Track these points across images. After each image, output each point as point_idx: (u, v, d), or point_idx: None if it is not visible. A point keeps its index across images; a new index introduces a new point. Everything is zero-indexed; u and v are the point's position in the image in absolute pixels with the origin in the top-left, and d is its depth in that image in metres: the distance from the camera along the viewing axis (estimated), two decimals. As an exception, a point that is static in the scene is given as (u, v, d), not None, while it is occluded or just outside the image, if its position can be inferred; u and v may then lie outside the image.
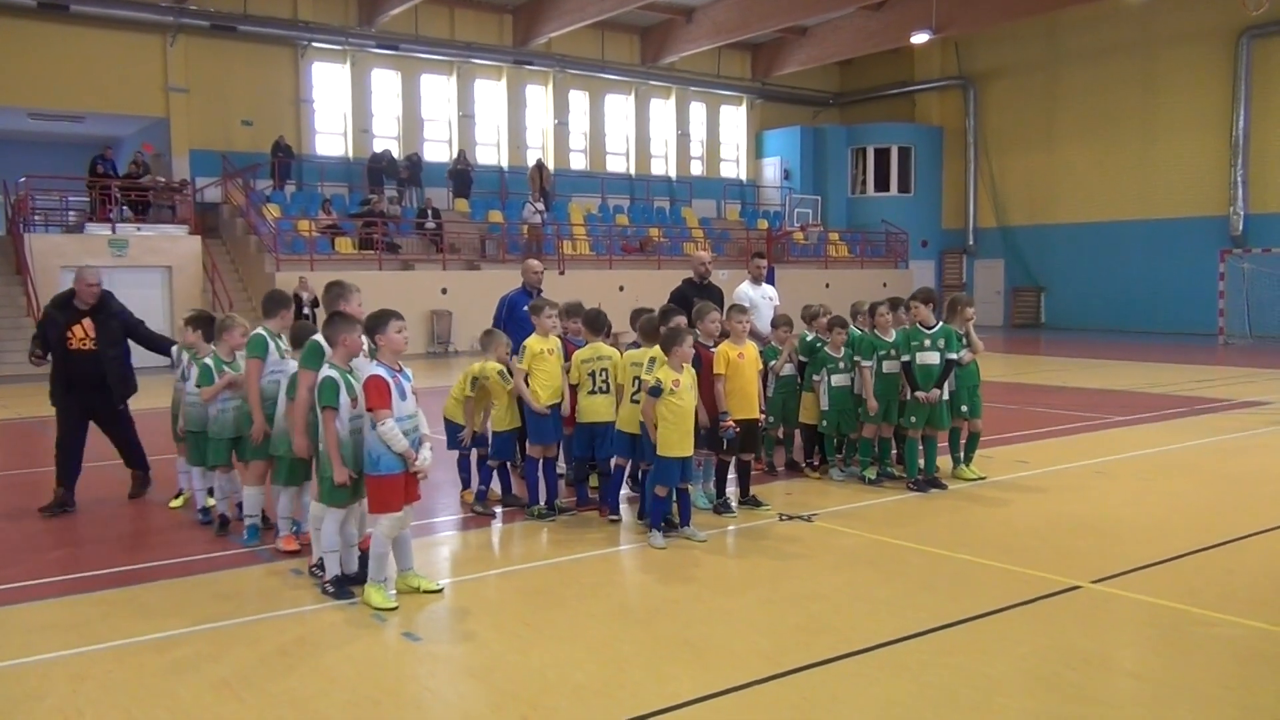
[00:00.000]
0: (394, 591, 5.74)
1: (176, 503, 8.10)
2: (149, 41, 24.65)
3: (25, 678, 4.68)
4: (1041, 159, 32.79)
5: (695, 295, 9.42)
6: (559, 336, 7.83)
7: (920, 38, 28.91)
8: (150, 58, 24.74)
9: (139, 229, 22.31)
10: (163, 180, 23.89)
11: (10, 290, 20.88)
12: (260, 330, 6.94)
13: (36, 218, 22.64)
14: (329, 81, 27.74)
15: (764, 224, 33.67)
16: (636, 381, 7.26)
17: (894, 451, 9.05)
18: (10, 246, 21.95)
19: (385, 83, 28.66)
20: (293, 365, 6.64)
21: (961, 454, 9.07)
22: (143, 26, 24.38)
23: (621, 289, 25.32)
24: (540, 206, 27.16)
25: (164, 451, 9.17)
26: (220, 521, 7.35)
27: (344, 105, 27.94)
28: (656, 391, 6.80)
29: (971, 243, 35.14)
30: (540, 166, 28.97)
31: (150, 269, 22.07)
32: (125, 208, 22.82)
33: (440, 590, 5.87)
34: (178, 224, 23.21)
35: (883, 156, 35.57)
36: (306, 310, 19.66)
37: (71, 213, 23.78)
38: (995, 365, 20.40)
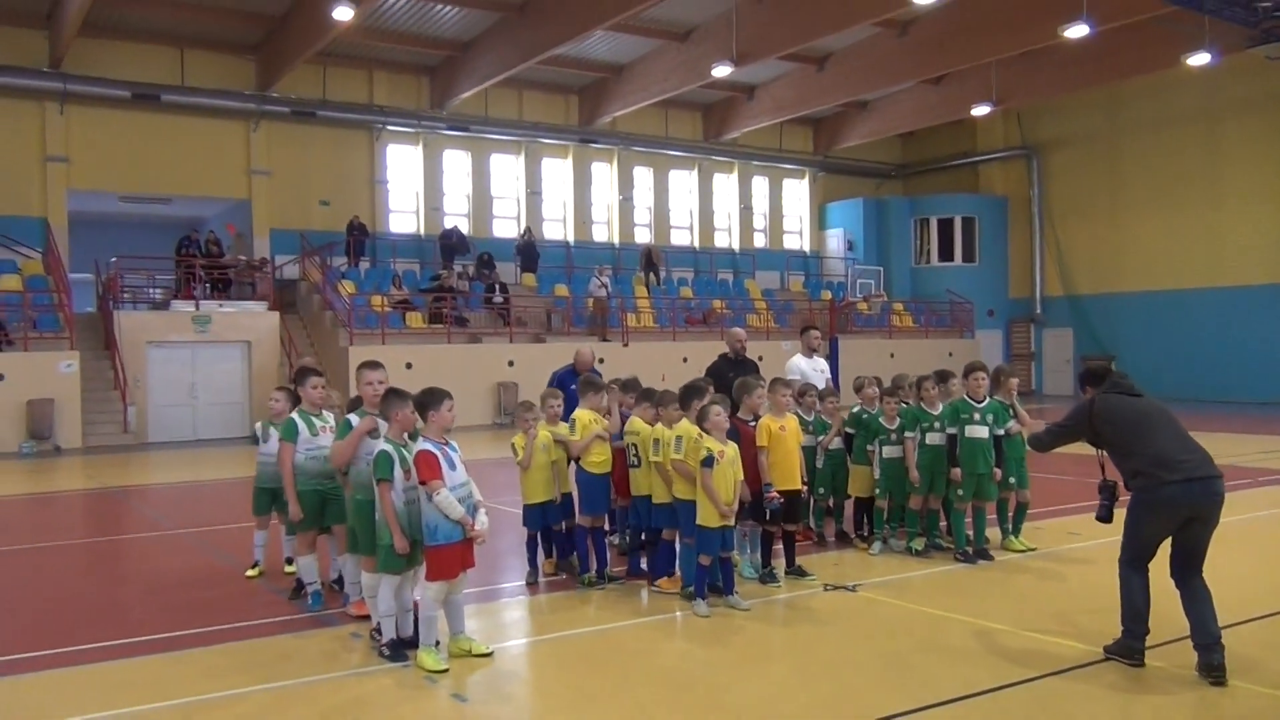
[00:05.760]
0: (446, 655, 6.02)
1: (252, 572, 8.43)
2: (234, 128, 25.99)
3: (102, 730, 5.04)
4: (1108, 227, 32.61)
5: (731, 370, 9.65)
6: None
7: (981, 110, 29.19)
8: (235, 143, 26.06)
9: (221, 306, 23.32)
10: (244, 259, 24.97)
11: (100, 365, 21.91)
12: (292, 415, 7.29)
13: (125, 295, 23.80)
14: (402, 162, 28.85)
15: (828, 295, 33.87)
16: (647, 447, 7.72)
17: (943, 523, 9.15)
18: (100, 323, 23.10)
19: (456, 162, 29.71)
20: (327, 441, 7.04)
21: (1010, 525, 9.14)
22: (228, 114, 25.73)
23: (685, 360, 25.61)
24: (605, 280, 27.80)
25: (242, 520, 9.62)
26: (295, 587, 7.69)
27: (416, 184, 28.99)
28: (710, 462, 7.02)
29: (1039, 312, 34.91)
30: (649, 251, 30.49)
31: (231, 344, 23.03)
32: (209, 285, 23.87)
33: (490, 654, 6.13)
34: (258, 300, 24.20)
35: (946, 227, 35.66)
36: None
37: (158, 290, 24.93)
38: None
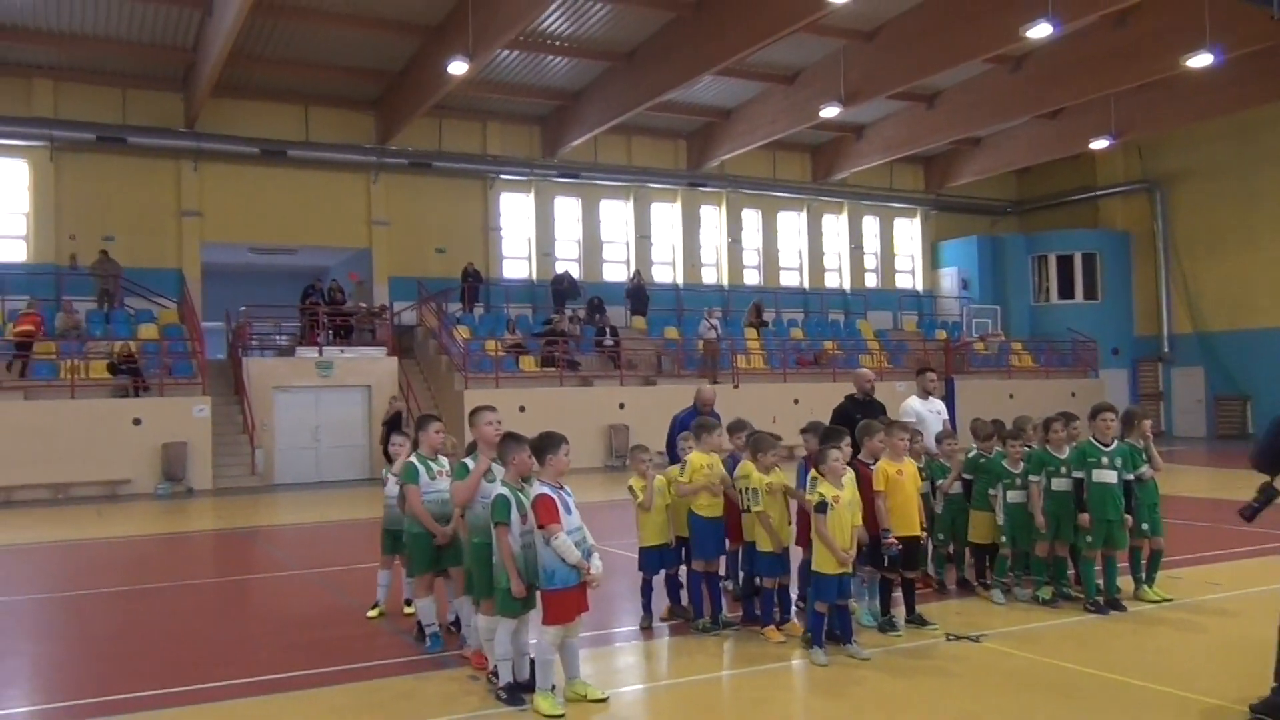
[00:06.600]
0: (563, 699, 6.01)
1: (373, 613, 8.59)
2: (355, 180, 26.98)
3: (233, 768, 5.18)
4: (1238, 261, 31.23)
5: (857, 411, 9.49)
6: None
7: (1100, 144, 28.41)
8: (356, 195, 27.04)
9: (343, 351, 24.08)
10: (364, 306, 25.78)
11: (229, 409, 22.80)
12: (410, 459, 7.44)
13: (254, 343, 24.78)
14: (515, 209, 29.50)
15: (943, 335, 33.19)
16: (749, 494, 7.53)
17: (1071, 571, 8.79)
18: (230, 369, 24.07)
19: (567, 209, 30.23)
20: (444, 485, 7.15)
21: (1144, 574, 8.73)
22: (350, 167, 26.74)
23: (796, 402, 25.38)
24: (715, 322, 27.83)
25: (363, 561, 9.82)
26: (417, 630, 7.78)
27: (528, 231, 29.58)
28: (824, 508, 6.92)
29: (1167, 350, 33.53)
30: (758, 307, 30.53)
31: (352, 388, 23.73)
32: (331, 332, 24.69)
33: (605, 699, 6.11)
34: (377, 346, 24.91)
35: (1066, 264, 34.67)
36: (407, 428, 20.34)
37: (284, 337, 25.89)
38: (1196, 479, 19.31)
